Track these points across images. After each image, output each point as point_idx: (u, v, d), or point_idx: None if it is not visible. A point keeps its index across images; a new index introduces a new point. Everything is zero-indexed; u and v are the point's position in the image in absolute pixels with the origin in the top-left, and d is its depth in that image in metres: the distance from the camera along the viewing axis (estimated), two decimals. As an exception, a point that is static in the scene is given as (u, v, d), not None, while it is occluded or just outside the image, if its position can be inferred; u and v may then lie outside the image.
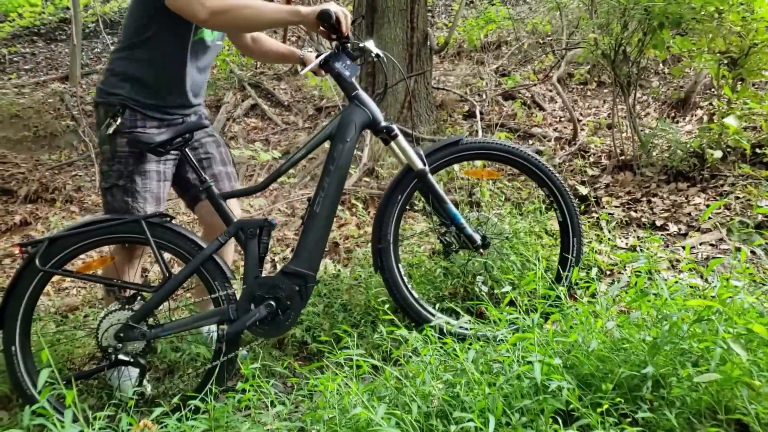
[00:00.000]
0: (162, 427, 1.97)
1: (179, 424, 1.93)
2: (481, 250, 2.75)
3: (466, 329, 2.48)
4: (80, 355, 3.03)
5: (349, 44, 2.59)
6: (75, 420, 1.82)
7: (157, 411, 1.97)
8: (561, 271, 2.78)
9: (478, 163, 3.68)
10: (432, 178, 2.69)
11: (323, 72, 2.69)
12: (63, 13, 12.23)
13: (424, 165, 2.67)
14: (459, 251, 2.82)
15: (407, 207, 3.04)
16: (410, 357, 2.10)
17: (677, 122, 5.67)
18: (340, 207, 4.36)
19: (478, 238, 2.71)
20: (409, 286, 2.81)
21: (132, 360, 2.46)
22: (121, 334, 2.45)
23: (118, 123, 2.53)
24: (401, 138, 2.66)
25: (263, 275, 2.54)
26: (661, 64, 7.04)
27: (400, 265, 2.82)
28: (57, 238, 2.51)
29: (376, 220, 2.81)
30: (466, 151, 2.76)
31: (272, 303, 2.50)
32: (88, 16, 11.78)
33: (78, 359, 3.01)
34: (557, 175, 2.78)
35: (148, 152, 2.52)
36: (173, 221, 2.57)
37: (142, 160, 2.58)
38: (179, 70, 2.60)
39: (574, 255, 2.77)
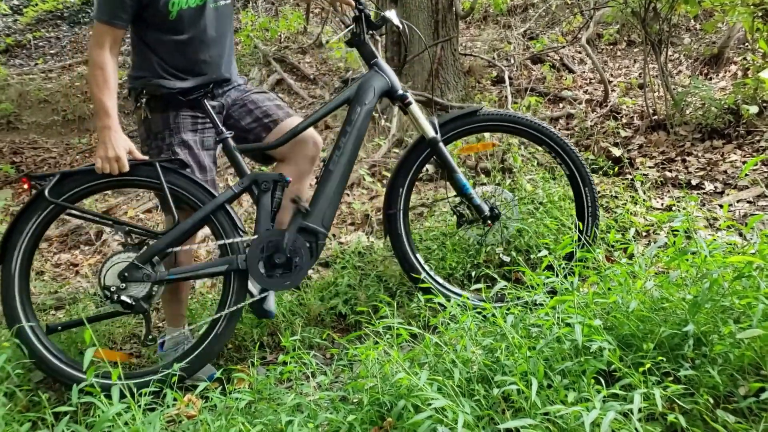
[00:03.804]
0: (206, 402, 2.01)
1: (223, 397, 1.96)
2: (489, 222, 2.76)
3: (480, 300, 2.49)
4: (120, 334, 3.09)
5: (366, 8, 2.64)
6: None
7: (202, 386, 2.00)
8: (581, 225, 2.78)
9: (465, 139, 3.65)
10: (443, 148, 2.71)
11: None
12: (85, -4, 12.26)
13: (436, 134, 2.69)
14: (471, 223, 2.82)
15: (421, 175, 3.03)
16: (449, 324, 2.11)
17: (711, 79, 5.56)
18: (370, 179, 4.37)
19: (486, 209, 2.73)
20: (419, 256, 2.85)
21: (134, 303, 2.43)
22: (126, 274, 2.43)
23: (145, 104, 2.54)
24: (415, 106, 2.70)
25: (275, 230, 2.54)
26: (692, 20, 6.88)
27: (410, 232, 2.85)
28: (70, 174, 2.48)
29: (388, 185, 2.86)
30: (482, 122, 2.77)
31: (282, 257, 2.50)
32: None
33: (119, 337, 3.07)
34: (573, 147, 2.77)
35: (168, 100, 2.52)
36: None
37: (178, 130, 2.58)
38: (177, 48, 2.55)
39: (590, 204, 2.76)
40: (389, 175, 3.81)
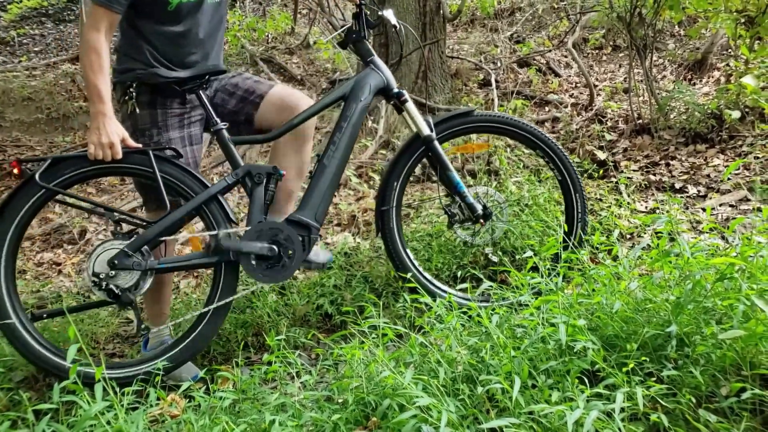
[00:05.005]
0: (190, 401, 2.00)
1: (207, 397, 1.95)
2: (482, 221, 2.77)
3: (467, 299, 2.50)
4: (104, 333, 3.07)
5: (365, 7, 2.66)
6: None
7: (185, 385, 1.99)
8: (571, 230, 2.79)
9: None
10: (438, 146, 2.72)
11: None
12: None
13: (431, 132, 2.70)
14: (463, 222, 2.82)
15: (413, 174, 3.03)
16: (434, 324, 2.12)
17: (694, 84, 5.60)
18: (357, 180, 4.37)
19: (479, 207, 2.74)
20: (410, 253, 2.85)
21: (120, 293, 2.39)
22: (115, 261, 2.39)
23: (134, 99, 2.51)
24: (411, 104, 2.72)
25: (267, 221, 2.52)
26: (676, 26, 6.94)
27: (401, 230, 2.85)
28: (62, 159, 2.43)
29: (382, 182, 2.86)
30: (477, 123, 2.79)
31: (274, 248, 2.49)
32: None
33: (102, 337, 3.05)
34: (565, 153, 2.80)
35: (160, 92, 2.51)
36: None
37: (166, 129, 2.56)
38: (172, 39, 2.51)
39: (580, 210, 2.79)
40: (377, 175, 3.83)
